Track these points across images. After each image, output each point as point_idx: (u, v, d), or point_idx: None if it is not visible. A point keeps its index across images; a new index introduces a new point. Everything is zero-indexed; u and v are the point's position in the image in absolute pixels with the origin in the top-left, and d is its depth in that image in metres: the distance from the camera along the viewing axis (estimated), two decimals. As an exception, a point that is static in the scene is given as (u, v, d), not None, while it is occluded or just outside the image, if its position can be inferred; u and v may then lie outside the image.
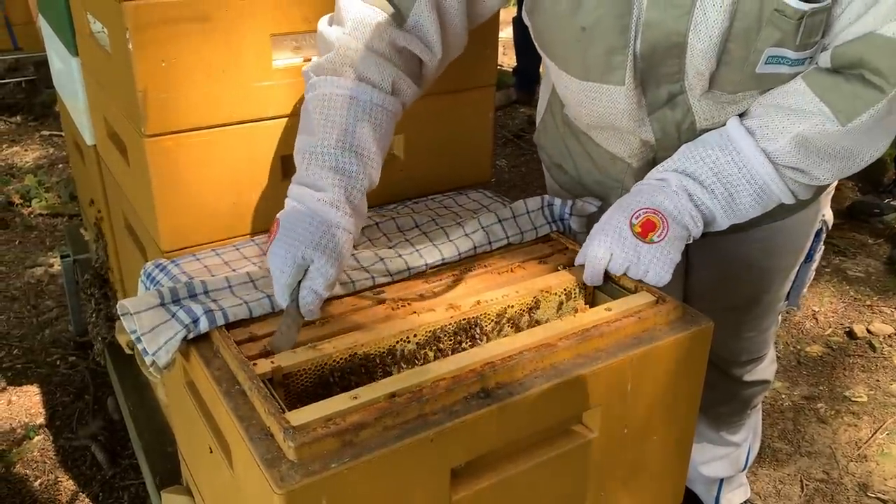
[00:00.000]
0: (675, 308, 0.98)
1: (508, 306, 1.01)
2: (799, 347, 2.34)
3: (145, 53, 1.06)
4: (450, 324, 0.97)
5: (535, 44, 1.12)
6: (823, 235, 1.30)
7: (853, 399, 2.14)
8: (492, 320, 1.01)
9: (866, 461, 1.92)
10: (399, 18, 1.01)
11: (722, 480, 1.69)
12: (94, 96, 1.49)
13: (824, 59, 0.95)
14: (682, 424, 1.03)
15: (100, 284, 1.84)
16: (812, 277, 1.37)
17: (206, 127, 1.14)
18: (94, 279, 1.85)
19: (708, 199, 1.00)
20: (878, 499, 1.80)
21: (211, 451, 0.94)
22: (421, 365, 0.95)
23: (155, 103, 1.09)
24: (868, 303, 2.53)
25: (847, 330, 2.42)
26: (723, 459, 1.65)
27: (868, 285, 2.62)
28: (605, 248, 1.00)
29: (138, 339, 0.95)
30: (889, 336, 2.39)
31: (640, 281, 1.01)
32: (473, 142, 1.39)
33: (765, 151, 0.98)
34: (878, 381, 2.21)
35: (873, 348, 2.34)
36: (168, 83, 1.09)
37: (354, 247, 1.14)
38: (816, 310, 2.52)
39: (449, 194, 1.34)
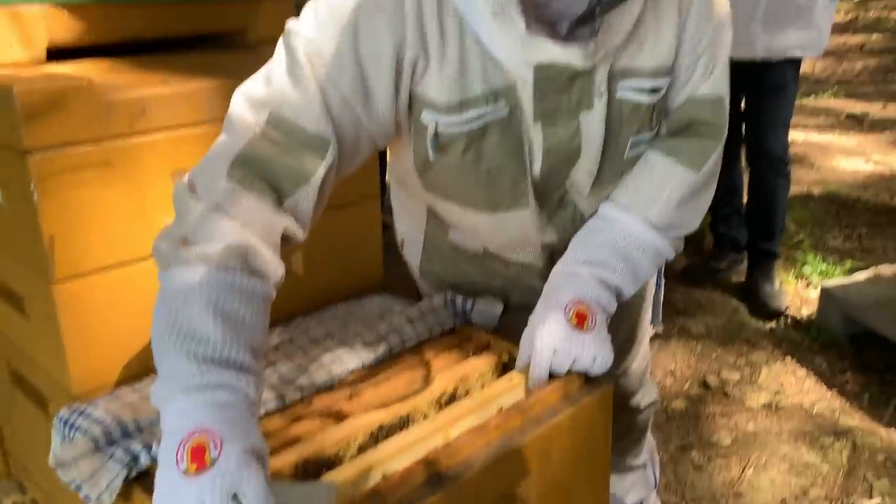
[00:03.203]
0: (579, 376, 1.10)
1: (434, 398, 1.09)
2: (665, 404, 2.55)
3: (50, 202, 1.08)
4: (385, 422, 1.04)
5: (426, 192, 1.16)
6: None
7: (720, 444, 2.35)
8: (422, 412, 1.08)
9: (742, 497, 2.11)
10: (277, 199, 0.94)
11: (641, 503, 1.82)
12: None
13: (663, 128, 1.15)
14: (600, 474, 1.14)
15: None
16: (662, 297, 1.57)
17: (114, 266, 1.16)
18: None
19: (615, 277, 1.12)
20: (759, 530, 1.98)
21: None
22: (368, 465, 1.00)
23: (62, 248, 1.10)
24: (714, 355, 2.81)
25: (702, 382, 2.67)
26: (637, 483, 1.78)
27: (711, 339, 2.90)
28: (548, 347, 1.04)
29: (79, 487, 0.94)
30: (737, 382, 2.66)
31: (585, 372, 1.06)
32: (365, 250, 1.49)
33: (646, 221, 1.13)
34: (736, 423, 2.44)
35: (726, 395, 2.59)
36: (74, 228, 1.11)
37: (274, 362, 1.18)
38: (672, 368, 2.76)
39: (352, 301, 1.42)
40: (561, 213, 1.17)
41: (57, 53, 1.33)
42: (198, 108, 1.20)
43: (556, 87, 1.00)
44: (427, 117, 1.01)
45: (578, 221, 1.18)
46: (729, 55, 1.13)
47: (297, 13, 1.02)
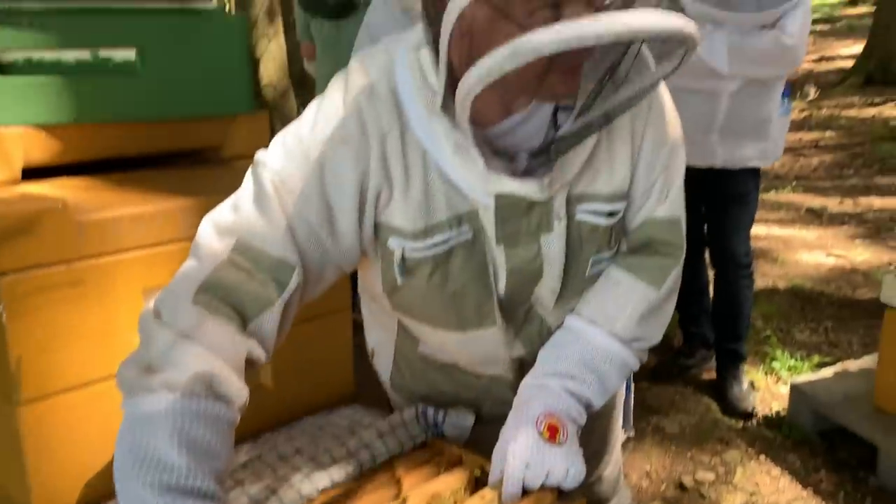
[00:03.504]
0: (552, 491, 1.09)
1: (405, 517, 1.08)
2: (642, 507, 2.52)
3: (19, 324, 1.08)
4: (356, 544, 1.02)
5: (395, 312, 1.18)
6: None
7: (698, 546, 2.32)
8: (393, 533, 1.06)
9: None
10: (241, 323, 0.95)
11: None
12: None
13: (623, 246, 1.18)
14: None
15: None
16: (632, 402, 1.58)
17: (81, 386, 1.15)
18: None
19: (585, 389, 1.13)
20: None
21: None
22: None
23: (29, 370, 1.09)
24: (688, 454, 2.80)
25: (678, 483, 2.65)
26: None
27: (685, 438, 2.90)
28: (520, 462, 1.04)
29: None
30: (713, 482, 2.64)
31: (558, 486, 1.05)
32: (335, 362, 1.49)
33: (612, 334, 1.15)
34: (713, 525, 2.42)
35: (702, 496, 2.57)
36: (42, 349, 1.10)
37: (243, 482, 1.16)
38: (647, 469, 2.74)
39: (321, 414, 1.41)
40: (527, 328, 1.19)
41: (33, 170, 1.35)
42: (172, 226, 1.22)
43: (517, 213, 1.04)
44: (393, 244, 1.04)
45: (545, 334, 1.20)
46: (683, 175, 1.18)
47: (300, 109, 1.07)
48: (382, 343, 1.38)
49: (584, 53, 0.90)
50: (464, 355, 1.23)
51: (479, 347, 1.18)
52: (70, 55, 1.32)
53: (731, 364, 2.98)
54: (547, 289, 1.13)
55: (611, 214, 1.10)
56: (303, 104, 7.84)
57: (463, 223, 1.04)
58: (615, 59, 0.92)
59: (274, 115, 7.30)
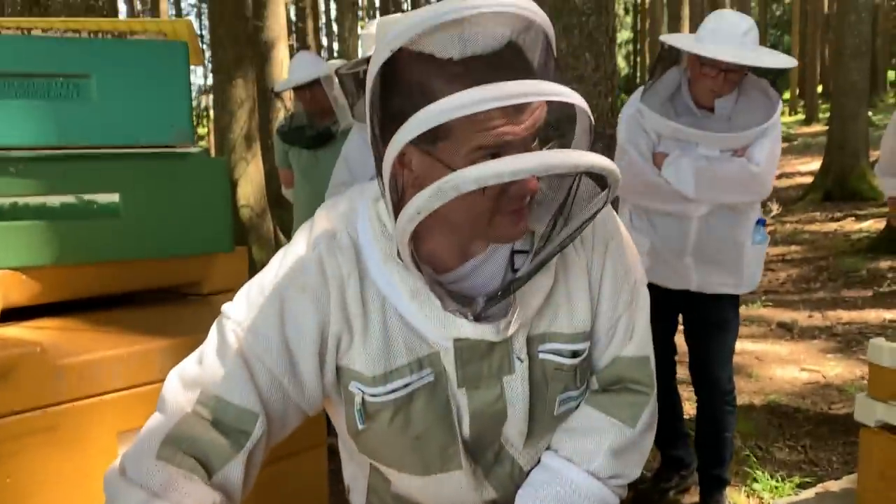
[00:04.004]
0: None
1: None
2: None
3: (-10, 472, 1.06)
4: None
5: (356, 456, 1.19)
6: None
7: None
8: None
9: None
10: (206, 475, 0.97)
11: None
12: None
13: (594, 384, 1.19)
14: None
15: None
16: None
17: (50, 534, 1.13)
18: None
19: None
20: None
21: None
22: None
23: (-3, 519, 1.07)
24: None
25: None
26: None
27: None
28: None
29: None
30: None
31: None
32: (309, 500, 1.46)
33: (589, 472, 1.15)
34: None
35: None
36: (16, 494, 1.08)
37: None
38: None
39: (297, 558, 1.37)
40: (498, 469, 1.18)
41: (11, 310, 1.36)
42: (149, 367, 1.23)
43: (476, 355, 1.06)
44: (354, 388, 1.06)
45: (518, 475, 1.19)
46: (648, 312, 1.19)
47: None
48: (356, 479, 1.37)
49: (521, 193, 0.94)
50: (432, 499, 1.21)
51: (445, 491, 1.17)
52: (55, 200, 1.36)
53: (714, 490, 2.93)
54: (514, 430, 1.13)
55: (575, 354, 1.12)
56: (280, 224, 7.96)
57: (424, 367, 1.06)
58: (562, 198, 0.97)
59: (251, 235, 7.39)
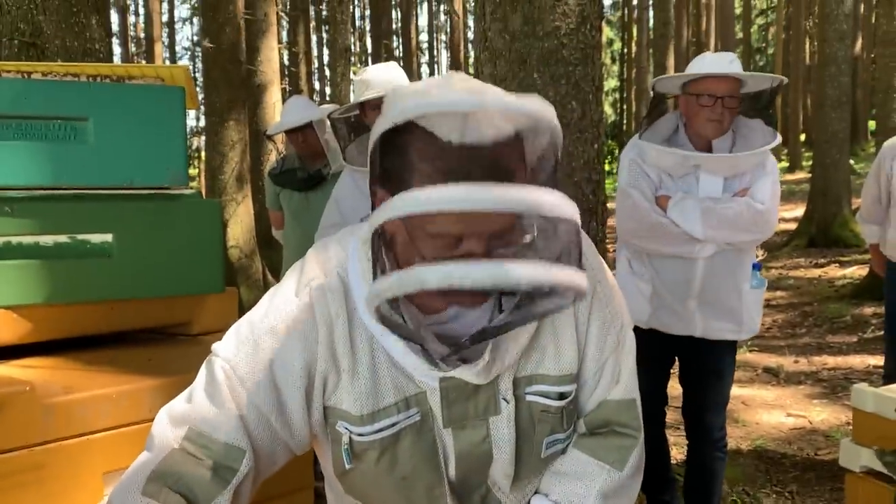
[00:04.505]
0: None
1: None
2: None
3: (-24, 511, 1.06)
4: None
5: (349, 495, 1.18)
6: None
7: None
8: None
9: None
10: None
11: None
12: None
13: (581, 427, 1.20)
14: None
15: None
16: None
17: (33, 576, 1.12)
18: None
19: None
20: None
21: None
22: None
23: (-20, 561, 1.06)
24: None
25: None
26: None
27: None
28: None
29: None
30: None
31: None
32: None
33: None
34: None
35: None
36: (-3, 537, 1.08)
37: None
38: None
39: None
40: None
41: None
42: (137, 407, 1.23)
43: (462, 396, 1.07)
44: (341, 428, 1.07)
45: None
46: (635, 356, 1.21)
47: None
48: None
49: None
50: None
51: None
52: (49, 239, 1.38)
53: (701, 537, 2.91)
54: (500, 472, 1.13)
55: (562, 396, 1.13)
56: (269, 265, 7.96)
57: (411, 406, 1.07)
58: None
59: (239, 276, 7.39)
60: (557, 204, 0.87)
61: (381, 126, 0.91)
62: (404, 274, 0.85)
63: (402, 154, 0.91)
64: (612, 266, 2.95)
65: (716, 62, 2.41)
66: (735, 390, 5.02)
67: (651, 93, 2.64)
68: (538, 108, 0.89)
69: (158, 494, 0.96)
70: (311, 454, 1.48)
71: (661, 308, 2.63)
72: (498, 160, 0.89)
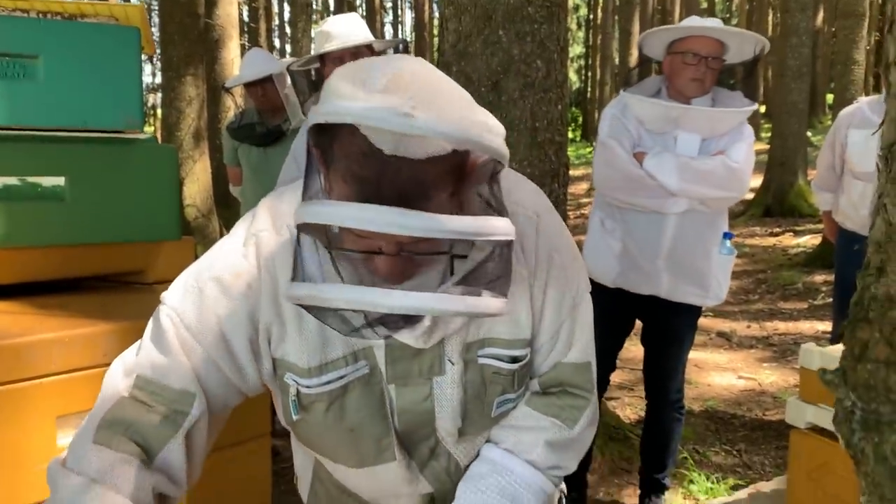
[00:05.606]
0: None
1: None
2: None
3: (-78, 453, 1.04)
4: None
5: (301, 445, 1.20)
6: (564, 501, 1.50)
7: None
8: None
9: None
10: (146, 458, 0.97)
11: None
12: None
13: (534, 385, 1.21)
14: None
15: None
16: None
17: (-17, 519, 1.10)
18: None
19: None
20: None
21: None
22: None
23: (-73, 503, 1.05)
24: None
25: None
26: None
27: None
28: None
29: None
30: None
31: None
32: (253, 490, 1.46)
33: (529, 462, 1.17)
34: None
35: None
36: (-56, 480, 1.06)
37: None
38: None
39: (237, 547, 1.37)
40: (434, 464, 1.19)
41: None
42: (90, 351, 1.21)
43: (408, 354, 1.07)
44: (289, 380, 1.06)
45: (454, 470, 1.20)
46: (591, 321, 1.21)
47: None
48: (303, 467, 1.37)
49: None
50: (366, 488, 1.22)
51: (379, 483, 1.18)
52: (-2, 181, 1.34)
53: (653, 493, 2.99)
54: (444, 428, 1.14)
55: (514, 360, 1.13)
56: (226, 224, 7.86)
57: (359, 359, 1.07)
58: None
59: (197, 235, 7.28)
60: (480, 229, 0.85)
61: (312, 118, 0.86)
62: (313, 288, 0.86)
63: (332, 142, 0.88)
64: (584, 230, 2.96)
65: (703, 23, 2.45)
66: (689, 353, 5.16)
67: (637, 52, 2.67)
68: (472, 134, 0.83)
69: (110, 442, 0.95)
70: (268, 403, 1.48)
71: (629, 267, 2.66)
72: (427, 176, 0.85)
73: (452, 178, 0.89)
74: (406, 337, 1.03)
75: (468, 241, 0.94)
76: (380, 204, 0.82)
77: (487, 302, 0.89)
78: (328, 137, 0.88)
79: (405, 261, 0.92)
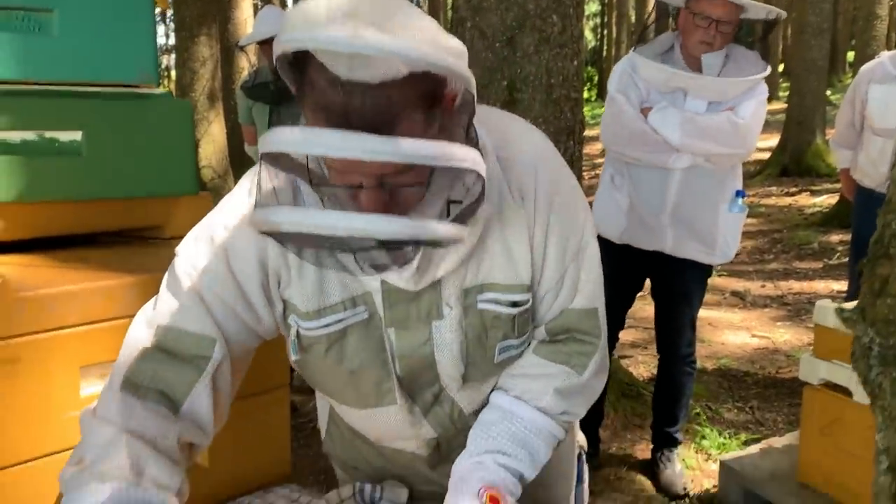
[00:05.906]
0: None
1: None
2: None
3: (-49, 401, 1.07)
4: None
5: (309, 383, 1.23)
6: (584, 457, 1.53)
7: None
8: None
9: None
10: (172, 406, 1.01)
11: None
12: None
13: (541, 334, 1.21)
14: None
15: None
16: (587, 497, 1.58)
17: (16, 464, 1.14)
18: None
19: (517, 464, 1.16)
20: None
21: None
22: None
23: (-42, 449, 1.08)
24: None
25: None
26: None
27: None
28: None
29: None
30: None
31: None
32: (272, 440, 1.49)
33: (539, 409, 1.19)
34: None
35: (638, 576, 2.58)
36: (-26, 426, 1.09)
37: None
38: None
39: (258, 494, 1.40)
40: (437, 409, 1.21)
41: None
42: (111, 303, 1.23)
43: (405, 298, 1.09)
44: (291, 321, 1.09)
45: (458, 417, 1.22)
46: (599, 266, 1.20)
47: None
48: (322, 410, 1.41)
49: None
50: (371, 430, 1.25)
51: (381, 425, 1.21)
52: (16, 136, 1.35)
53: (665, 448, 3.02)
54: (447, 375, 1.16)
55: (514, 304, 1.13)
56: (241, 186, 7.86)
57: (358, 304, 1.09)
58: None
59: (213, 196, 7.30)
60: (440, 155, 0.83)
61: (275, 49, 0.86)
62: (264, 212, 0.85)
63: (295, 72, 0.88)
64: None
65: None
66: (702, 312, 5.13)
67: (655, 1, 2.63)
68: (425, 52, 0.80)
69: (137, 392, 0.99)
70: (286, 355, 1.51)
71: (635, 222, 2.66)
72: (388, 102, 0.83)
73: (421, 106, 0.87)
74: (395, 278, 1.05)
75: (448, 176, 0.93)
76: None
77: (436, 227, 0.86)
78: (297, 70, 0.88)
79: (390, 196, 0.91)
